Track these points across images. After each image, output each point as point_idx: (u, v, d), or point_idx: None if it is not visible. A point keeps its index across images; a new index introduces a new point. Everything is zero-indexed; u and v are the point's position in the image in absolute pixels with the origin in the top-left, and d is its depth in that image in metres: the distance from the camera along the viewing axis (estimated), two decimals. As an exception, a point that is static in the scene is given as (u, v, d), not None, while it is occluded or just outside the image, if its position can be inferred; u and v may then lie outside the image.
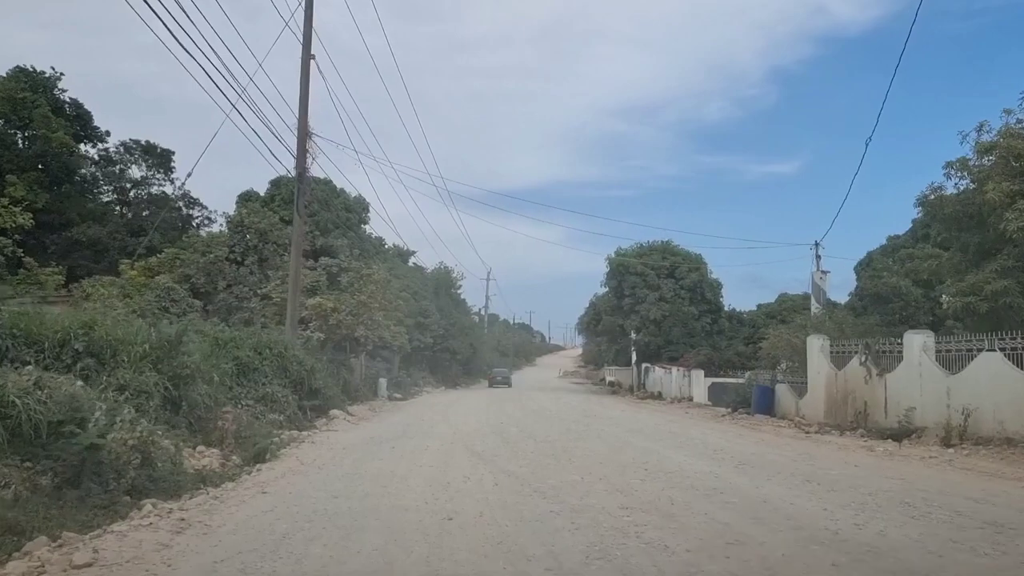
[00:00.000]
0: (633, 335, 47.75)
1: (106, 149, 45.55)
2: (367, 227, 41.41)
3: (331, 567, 5.57)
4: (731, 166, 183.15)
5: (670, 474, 10.92)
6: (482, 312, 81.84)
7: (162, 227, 45.84)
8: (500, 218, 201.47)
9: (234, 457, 12.79)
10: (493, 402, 32.93)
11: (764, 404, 24.64)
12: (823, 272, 30.95)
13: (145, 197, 47.07)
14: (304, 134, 20.64)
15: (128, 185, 46.97)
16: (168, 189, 46.44)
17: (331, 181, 39.47)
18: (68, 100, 45.48)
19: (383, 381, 33.26)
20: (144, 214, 47.11)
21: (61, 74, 43.67)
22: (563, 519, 7.30)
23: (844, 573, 5.64)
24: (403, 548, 6.09)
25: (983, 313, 18.46)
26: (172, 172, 46.82)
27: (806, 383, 24.21)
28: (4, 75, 41.61)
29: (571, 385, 66.85)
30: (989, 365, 15.29)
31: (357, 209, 40.55)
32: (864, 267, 41.67)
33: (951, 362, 17.18)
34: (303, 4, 20.54)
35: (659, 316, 44.47)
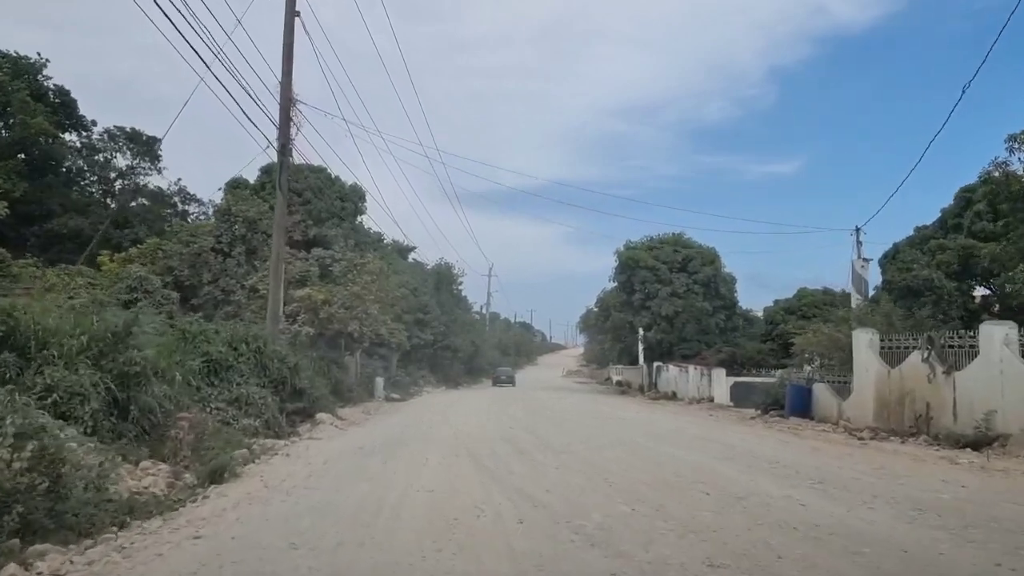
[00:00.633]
0: (641, 332, 45.18)
1: (89, 137, 42.87)
2: (363, 218, 38.75)
3: None
4: (731, 166, 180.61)
5: (742, 501, 8.33)
6: (483, 310, 79.05)
7: (150, 220, 43.40)
8: (500, 217, 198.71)
9: (187, 475, 10.18)
10: (497, 403, 30.34)
11: (799, 405, 22.03)
12: (864, 260, 28.31)
13: (131, 187, 44.39)
14: (288, 100, 18.07)
15: (113, 175, 44.31)
16: (155, 179, 43.78)
17: (325, 169, 36.86)
18: (52, 87, 42.86)
19: (380, 381, 30.66)
20: (131, 205, 44.51)
21: (46, 60, 41.03)
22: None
23: None
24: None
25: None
26: (159, 161, 44.17)
27: (847, 382, 21.63)
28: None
29: (575, 384, 64.29)
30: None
31: (353, 198, 37.89)
32: (890, 260, 39.06)
33: None
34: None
35: (671, 312, 41.89)
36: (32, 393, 9.82)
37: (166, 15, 13.57)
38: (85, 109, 43.19)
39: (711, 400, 30.17)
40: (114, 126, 43.54)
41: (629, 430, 18.05)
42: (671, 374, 38.52)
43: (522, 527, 6.62)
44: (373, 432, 16.43)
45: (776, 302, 43.38)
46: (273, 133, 18.64)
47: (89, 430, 10.02)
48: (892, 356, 18.86)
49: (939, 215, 38.74)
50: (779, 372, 25.23)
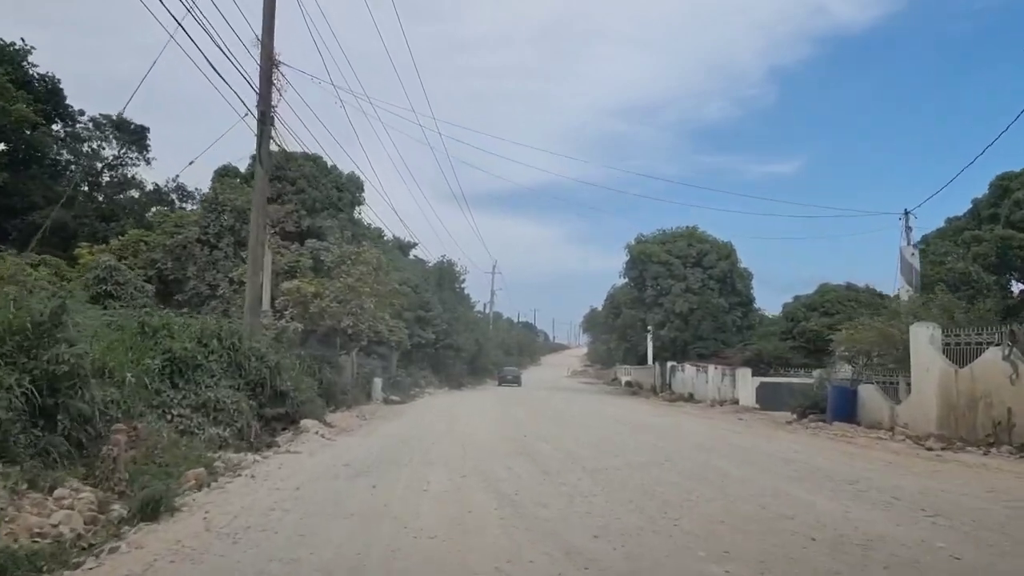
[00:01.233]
0: (650, 330, 42.76)
1: (73, 125, 40.43)
2: (363, 213, 36.26)
3: None
4: (731, 166, 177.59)
5: (867, 551, 5.88)
6: (486, 308, 76.46)
7: (138, 213, 40.97)
8: (500, 216, 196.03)
9: (115, 506, 7.75)
10: (505, 405, 27.91)
11: (843, 409, 19.58)
12: (914, 247, 25.78)
13: (118, 179, 41.99)
14: (269, 62, 15.62)
15: (99, 165, 41.87)
16: (143, 170, 41.37)
17: (320, 158, 34.42)
18: (37, 75, 40.43)
19: (378, 382, 28.20)
20: (117, 197, 42.13)
21: (31, 48, 38.61)
22: None
23: None
24: None
25: None
26: (147, 151, 41.76)
27: (895, 383, 19.21)
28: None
29: (581, 385, 61.83)
30: None
31: (350, 188, 35.40)
32: (920, 252, 36.61)
33: None
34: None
35: (686, 309, 39.43)
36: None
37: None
38: (91, 110, 40.61)
39: (735, 402, 27.69)
40: (100, 114, 41.09)
41: (663, 439, 15.57)
42: (687, 374, 36.03)
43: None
44: (365, 443, 13.93)
45: (796, 298, 40.93)
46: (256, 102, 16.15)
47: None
48: (958, 354, 16.42)
49: (971, 205, 36.42)
50: (817, 372, 22.74)
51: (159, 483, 7.67)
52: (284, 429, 14.94)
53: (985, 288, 30.61)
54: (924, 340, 16.91)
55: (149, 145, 41.57)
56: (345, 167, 36.25)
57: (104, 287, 20.44)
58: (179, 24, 13.29)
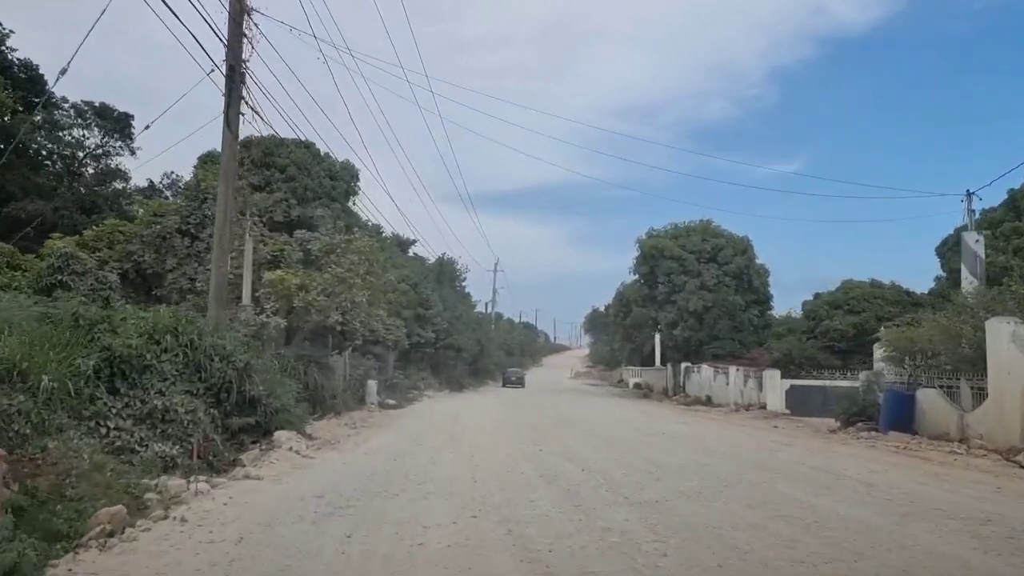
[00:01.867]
0: (662, 329, 40.25)
1: (52, 112, 37.85)
2: (356, 199, 33.72)
3: None
4: (732, 166, 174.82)
5: None
6: (488, 307, 73.70)
7: (122, 205, 38.45)
8: (500, 216, 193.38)
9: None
10: (512, 410, 25.42)
11: (898, 417, 17.07)
12: (978, 234, 23.26)
13: (102, 169, 39.44)
14: (240, 7, 13.12)
15: (81, 155, 39.32)
16: (127, 160, 38.81)
17: (313, 144, 31.93)
18: (17, 60, 37.92)
19: (372, 384, 25.68)
20: (100, 189, 39.57)
21: (10, 31, 36.04)
22: None
23: None
24: None
25: None
26: (131, 140, 39.18)
27: (957, 387, 16.68)
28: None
29: (587, 387, 59.29)
30: None
31: (344, 177, 32.87)
32: (952, 247, 34.14)
33: None
34: None
35: (700, 307, 36.90)
36: None
37: None
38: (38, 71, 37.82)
39: (762, 407, 25.16)
40: (81, 100, 38.58)
41: (703, 453, 13.04)
42: (704, 376, 33.49)
43: None
44: (349, 462, 11.38)
45: (816, 296, 38.40)
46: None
47: None
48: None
49: (1006, 196, 33.98)
50: (863, 374, 20.18)
51: (8, 552, 5.11)
52: (254, 443, 12.43)
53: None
54: (1005, 338, 14.37)
55: (133, 134, 39.05)
56: (342, 154, 33.83)
57: (58, 277, 17.92)
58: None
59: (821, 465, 12.04)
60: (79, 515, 6.97)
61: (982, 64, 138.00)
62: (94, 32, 27.22)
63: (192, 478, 9.46)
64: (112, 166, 41.40)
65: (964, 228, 32.96)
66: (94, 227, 27.98)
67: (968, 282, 21.28)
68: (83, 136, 40.10)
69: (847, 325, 33.39)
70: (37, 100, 39.64)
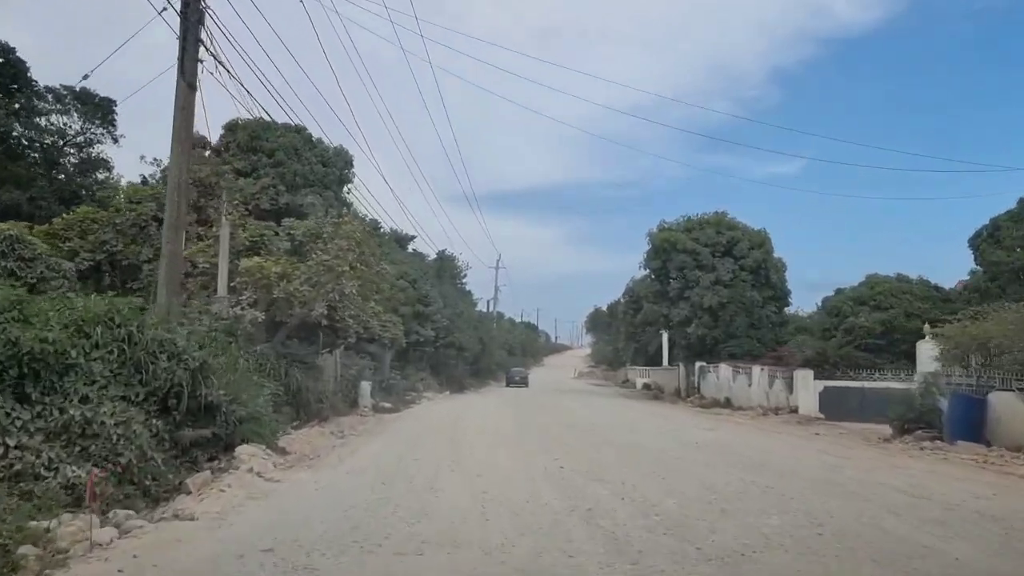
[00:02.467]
0: (672, 326, 37.84)
1: (30, 97, 35.42)
2: (351, 187, 31.32)
3: None
4: (732, 166, 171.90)
5: None
6: (490, 305, 71.07)
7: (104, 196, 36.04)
8: (500, 216, 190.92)
9: None
10: (520, 414, 23.04)
11: (966, 424, 14.71)
12: None
13: (83, 158, 37.01)
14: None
15: (61, 142, 36.88)
16: (110, 149, 36.36)
17: (304, 129, 29.56)
18: (-7, 43, 35.53)
19: (366, 386, 23.31)
20: (81, 178, 37.15)
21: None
22: None
23: None
24: None
25: None
26: (114, 128, 36.75)
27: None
28: None
29: (592, 387, 56.89)
30: None
31: (337, 164, 30.47)
32: (985, 238, 31.79)
33: None
34: None
35: (715, 303, 34.49)
36: None
37: None
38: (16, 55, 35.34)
39: (793, 410, 22.75)
40: (60, 85, 36.14)
41: (762, 473, 10.62)
42: (722, 377, 31.09)
43: None
44: (325, 487, 8.94)
45: (838, 291, 36.02)
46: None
47: None
48: None
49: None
50: (920, 375, 17.76)
51: None
52: (212, 460, 10.05)
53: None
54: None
55: (116, 121, 36.62)
56: (338, 142, 31.40)
57: (3, 263, 15.56)
58: None
59: (906, 487, 9.66)
60: None
61: (982, 64, 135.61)
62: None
63: (111, 514, 7.11)
64: (94, 155, 38.98)
65: (1000, 220, 30.68)
66: (64, 215, 25.61)
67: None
68: (65, 124, 37.74)
69: (874, 322, 31.07)
70: (15, 86, 37.20)
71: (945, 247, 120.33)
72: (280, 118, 25.64)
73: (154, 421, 9.13)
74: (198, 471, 9.48)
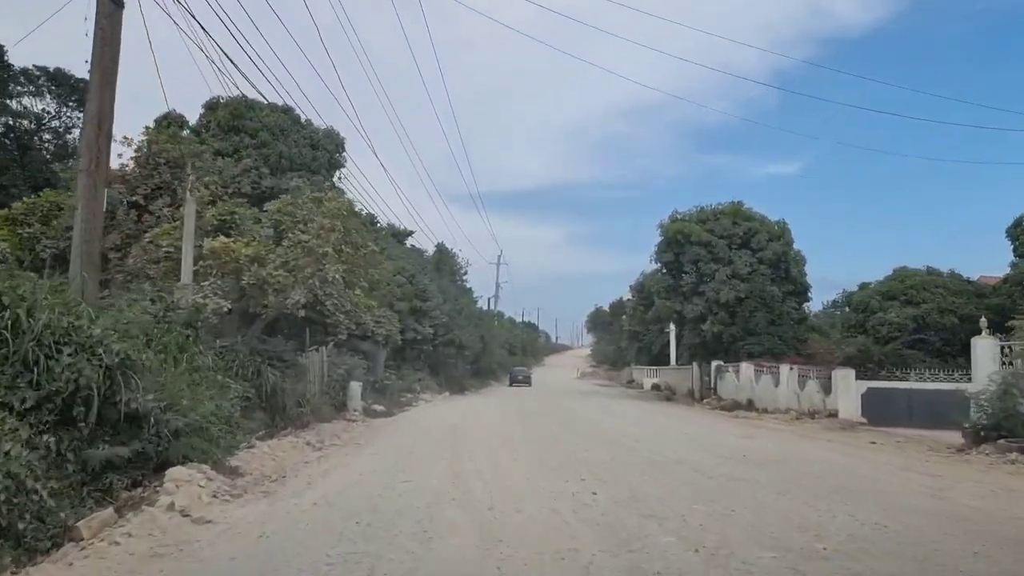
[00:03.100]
0: (684, 324, 35.40)
1: (4, 80, 32.87)
2: (342, 173, 28.80)
3: None
4: (732, 166, 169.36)
5: None
6: (491, 303, 68.23)
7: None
8: (500, 216, 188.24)
9: None
10: (527, 419, 20.53)
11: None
12: None
13: (57, 143, 34.52)
14: None
15: (35, 126, 34.37)
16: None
17: (292, 110, 27.06)
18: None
19: (356, 387, 20.81)
20: (57, 164, 34.62)
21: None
22: None
23: None
24: None
25: None
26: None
27: None
28: None
29: (597, 388, 54.37)
30: None
31: (327, 146, 27.96)
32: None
33: None
34: None
35: (732, 298, 32.01)
36: None
37: None
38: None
39: (831, 414, 20.23)
40: (33, 65, 33.61)
41: (852, 501, 8.13)
42: (743, 377, 28.61)
43: None
44: (272, 533, 6.28)
45: (863, 286, 33.57)
46: None
47: None
48: None
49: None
50: (994, 375, 15.24)
51: None
52: (136, 485, 7.56)
53: None
54: None
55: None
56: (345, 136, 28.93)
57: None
58: None
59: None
60: None
61: (983, 64, 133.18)
62: None
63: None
64: (73, 141, 36.42)
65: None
66: (24, 199, 23.09)
67: None
68: (41, 109, 35.21)
69: (904, 318, 28.64)
70: (-9, 69, 34.54)
71: (961, 241, 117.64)
72: (272, 97, 23.21)
73: (46, 437, 6.64)
74: (114, 503, 7.01)
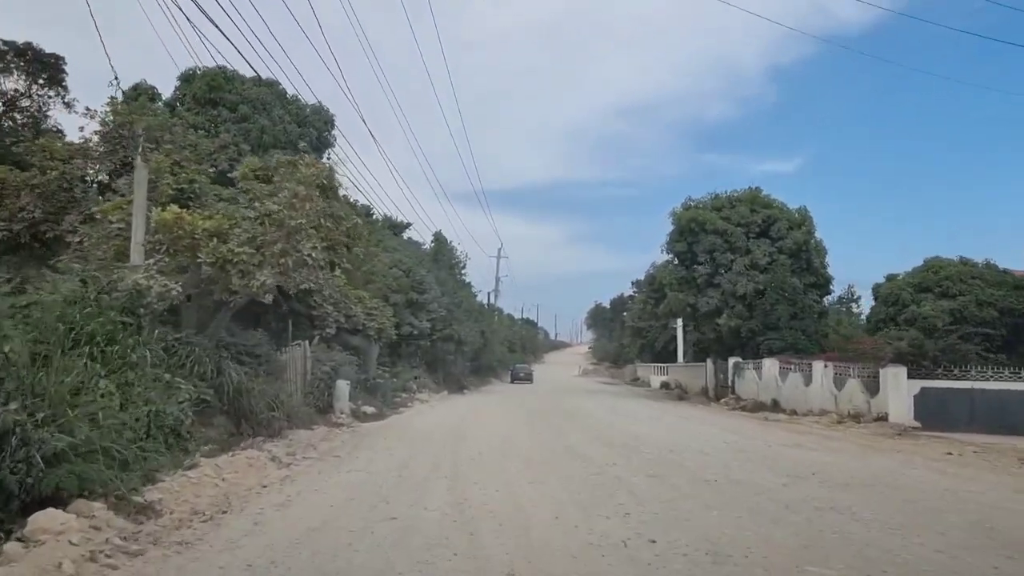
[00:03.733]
0: (697, 318, 32.97)
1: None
2: (332, 152, 26.27)
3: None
4: (732, 165, 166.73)
5: None
6: (491, 297, 65.60)
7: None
8: (500, 216, 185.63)
9: None
10: (536, 423, 18.09)
11: None
12: None
13: (26, 123, 31.88)
14: None
15: (1, 107, 31.74)
16: (62, 116, 31.15)
17: (278, 83, 24.59)
18: (-67, -2, 30.39)
19: (343, 386, 18.34)
20: (27, 145, 32.03)
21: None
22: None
23: None
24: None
25: None
26: (65, 90, 31.62)
27: None
28: None
29: (601, 386, 51.95)
30: None
31: (315, 123, 25.46)
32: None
33: None
34: None
35: (751, 290, 29.62)
36: None
37: None
38: None
39: (879, 418, 17.80)
40: (2, 41, 31.01)
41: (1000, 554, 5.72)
42: (766, 375, 26.21)
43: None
44: None
45: (890, 278, 31.14)
46: None
47: None
48: None
49: None
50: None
51: None
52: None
53: None
54: None
55: (66, 82, 31.50)
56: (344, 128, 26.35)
57: None
58: None
59: None
60: None
61: (983, 64, 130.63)
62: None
63: None
64: (50, 126, 33.80)
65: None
66: (-28, 175, 20.54)
67: None
68: (15, 91, 32.59)
69: (940, 311, 26.28)
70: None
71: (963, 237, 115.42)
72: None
73: None
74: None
